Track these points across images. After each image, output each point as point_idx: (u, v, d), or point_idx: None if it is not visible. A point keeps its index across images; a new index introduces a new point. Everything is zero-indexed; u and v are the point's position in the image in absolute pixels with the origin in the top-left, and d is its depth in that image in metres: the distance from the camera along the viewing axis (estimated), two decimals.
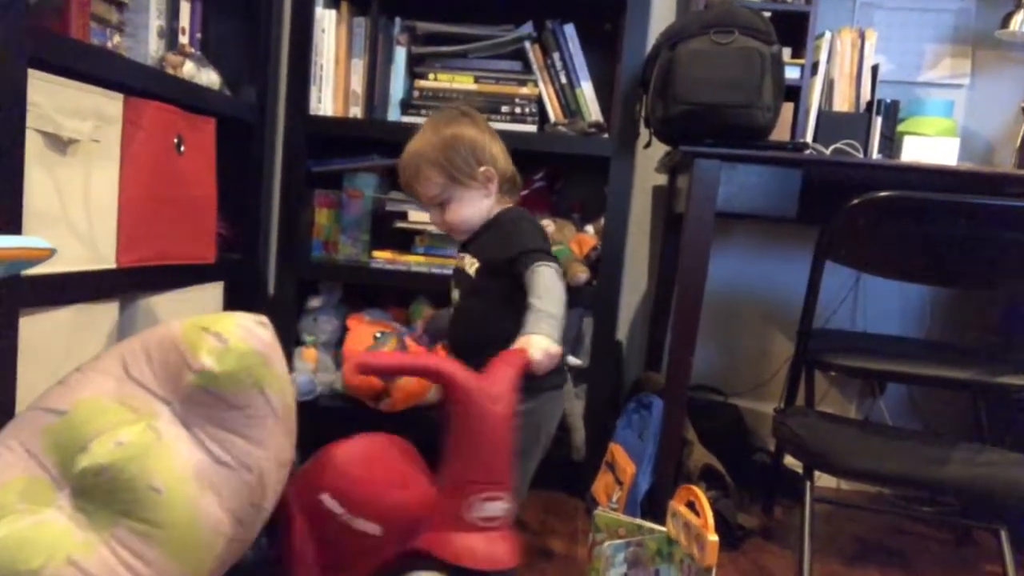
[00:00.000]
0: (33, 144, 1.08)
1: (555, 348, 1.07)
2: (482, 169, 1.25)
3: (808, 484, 1.50)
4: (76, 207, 1.21)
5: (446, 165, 1.23)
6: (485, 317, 1.25)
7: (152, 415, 0.95)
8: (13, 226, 1.04)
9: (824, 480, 1.92)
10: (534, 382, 1.13)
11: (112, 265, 1.31)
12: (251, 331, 0.98)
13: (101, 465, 0.88)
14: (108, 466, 0.88)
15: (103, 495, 0.88)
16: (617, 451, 1.65)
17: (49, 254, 0.86)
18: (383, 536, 1.04)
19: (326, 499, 1.09)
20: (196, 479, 0.93)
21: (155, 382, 0.98)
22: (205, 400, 0.95)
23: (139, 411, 0.95)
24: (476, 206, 1.26)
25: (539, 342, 1.06)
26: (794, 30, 1.75)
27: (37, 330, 1.13)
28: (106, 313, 1.31)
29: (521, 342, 1.07)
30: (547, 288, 1.12)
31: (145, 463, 0.89)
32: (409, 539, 1.02)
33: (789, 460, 1.84)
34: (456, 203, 1.25)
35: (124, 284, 1.35)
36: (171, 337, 0.99)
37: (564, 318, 1.13)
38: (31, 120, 1.07)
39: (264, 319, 1.03)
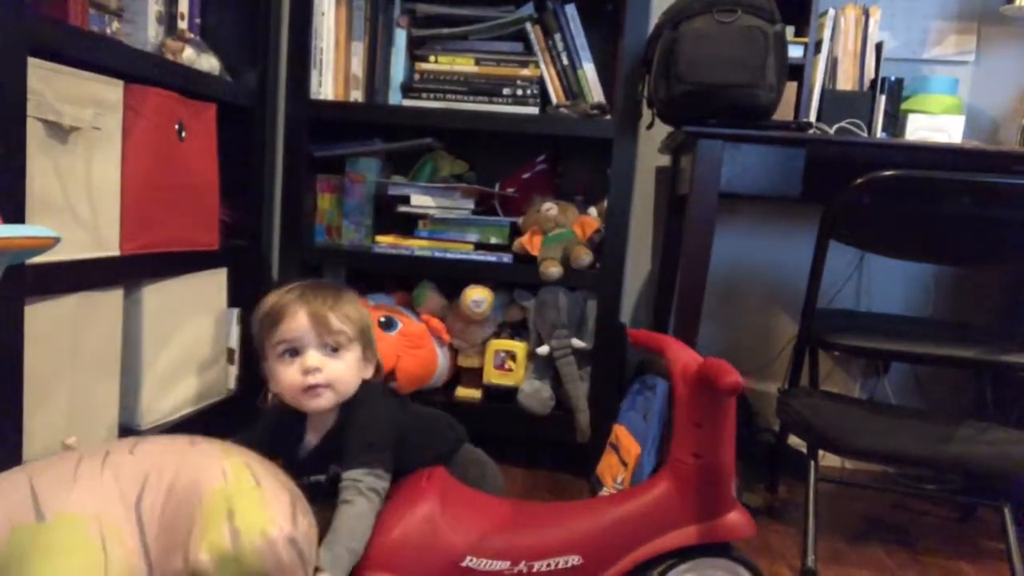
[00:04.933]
0: (34, 132, 1.08)
1: None
2: (373, 358, 1.16)
3: (812, 463, 1.50)
4: (79, 195, 1.21)
5: (362, 325, 1.12)
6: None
7: None
8: (16, 215, 1.05)
9: (828, 459, 1.93)
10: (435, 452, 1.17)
11: (116, 252, 1.31)
12: (274, 548, 0.81)
13: None
14: None
15: None
16: (622, 432, 1.65)
17: (53, 243, 0.86)
18: (585, 564, 0.98)
19: (474, 562, 0.96)
20: None
21: (153, 531, 0.82)
22: None
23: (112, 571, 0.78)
24: (356, 380, 1.12)
25: None
26: (797, 8, 1.73)
27: (42, 319, 1.14)
28: (111, 300, 1.31)
29: None
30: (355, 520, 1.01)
31: None
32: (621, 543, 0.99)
33: (793, 440, 1.84)
34: (347, 359, 1.10)
35: (128, 271, 1.35)
36: (201, 487, 0.83)
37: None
38: (32, 108, 1.07)
39: (305, 533, 0.86)
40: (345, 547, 0.97)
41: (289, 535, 0.82)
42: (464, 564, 0.96)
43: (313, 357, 1.07)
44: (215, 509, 0.81)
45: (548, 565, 0.97)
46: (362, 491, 1.01)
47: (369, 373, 1.15)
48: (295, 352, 1.08)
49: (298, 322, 1.07)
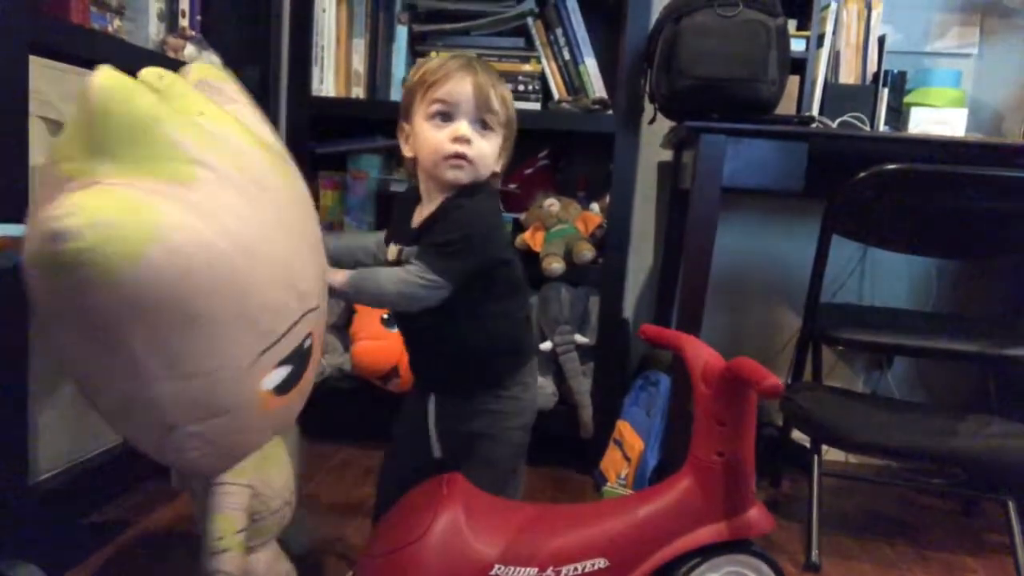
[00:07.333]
0: (37, 132, 1.08)
1: (338, 286, 1.03)
2: (504, 155, 1.12)
3: (816, 458, 1.51)
4: None
5: (510, 115, 1.09)
6: (449, 334, 1.09)
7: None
8: (20, 214, 1.04)
9: (832, 454, 1.93)
10: (513, 376, 1.12)
11: None
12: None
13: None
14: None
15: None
16: (625, 428, 1.66)
17: None
18: (611, 566, 0.97)
19: (502, 570, 0.94)
20: None
21: None
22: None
23: None
24: (490, 167, 1.08)
25: (340, 277, 1.03)
26: (799, 2, 1.72)
27: None
28: None
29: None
30: (402, 284, 1.02)
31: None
32: (641, 544, 0.98)
33: (796, 434, 1.84)
34: (492, 142, 1.07)
35: None
36: None
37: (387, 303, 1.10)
38: (34, 107, 1.07)
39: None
40: (373, 279, 1.03)
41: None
42: (493, 573, 0.94)
43: (467, 127, 1.04)
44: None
45: (575, 569, 0.96)
46: (410, 272, 1.01)
47: (498, 167, 1.11)
48: (447, 117, 1.05)
49: (462, 88, 1.04)
